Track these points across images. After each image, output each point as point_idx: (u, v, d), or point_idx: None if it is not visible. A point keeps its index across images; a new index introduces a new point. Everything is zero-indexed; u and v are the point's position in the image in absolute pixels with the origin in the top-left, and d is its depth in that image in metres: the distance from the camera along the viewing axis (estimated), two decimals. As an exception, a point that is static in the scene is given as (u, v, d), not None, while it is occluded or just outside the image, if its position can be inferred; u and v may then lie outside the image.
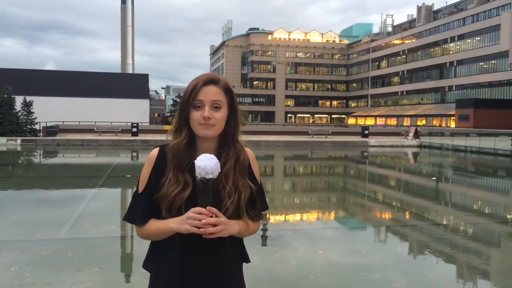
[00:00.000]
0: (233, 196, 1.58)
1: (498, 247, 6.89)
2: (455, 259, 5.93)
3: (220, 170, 1.52)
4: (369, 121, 77.82)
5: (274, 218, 7.78)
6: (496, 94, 55.97)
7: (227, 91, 1.62)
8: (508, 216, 9.45)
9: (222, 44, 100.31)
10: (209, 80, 1.60)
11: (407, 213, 9.23)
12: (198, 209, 1.48)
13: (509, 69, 51.07)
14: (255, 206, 1.67)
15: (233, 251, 1.67)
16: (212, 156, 1.51)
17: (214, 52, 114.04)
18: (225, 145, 1.64)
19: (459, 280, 5.16)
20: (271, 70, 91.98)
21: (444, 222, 8.41)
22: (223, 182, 1.57)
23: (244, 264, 1.75)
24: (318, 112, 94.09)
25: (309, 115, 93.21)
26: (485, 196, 11.80)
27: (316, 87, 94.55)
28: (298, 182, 14.43)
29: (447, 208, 10.07)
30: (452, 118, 57.08)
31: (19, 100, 28.91)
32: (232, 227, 1.55)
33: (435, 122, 62.52)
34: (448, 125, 57.53)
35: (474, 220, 8.55)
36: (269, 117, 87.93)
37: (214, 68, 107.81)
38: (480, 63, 58.82)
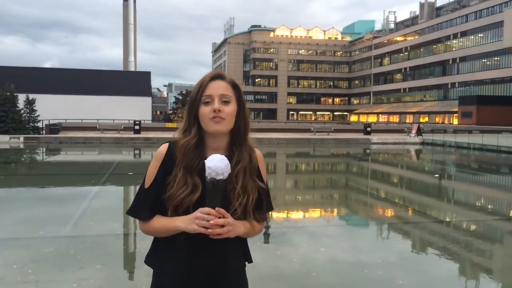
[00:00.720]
0: (242, 198, 1.57)
1: (501, 245, 6.87)
2: (458, 257, 5.92)
3: (230, 171, 1.51)
4: (372, 118, 77.69)
5: (276, 216, 7.78)
6: (499, 91, 55.78)
7: (235, 86, 1.62)
8: (511, 213, 9.43)
9: (224, 42, 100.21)
10: (216, 76, 1.60)
11: (409, 210, 9.22)
12: (206, 209, 1.47)
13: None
14: (261, 207, 1.67)
15: (237, 251, 1.67)
16: (223, 157, 1.50)
17: (216, 49, 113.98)
18: (237, 143, 1.62)
19: (462, 277, 5.16)
20: (273, 67, 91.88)
21: (447, 220, 8.40)
22: (233, 182, 1.56)
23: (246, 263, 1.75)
24: (320, 110, 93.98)
25: (311, 113, 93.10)
26: (488, 193, 11.77)
27: (318, 84, 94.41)
28: (301, 179, 14.43)
29: (450, 205, 10.05)
30: (455, 115, 56.94)
31: (21, 98, 28.97)
32: (239, 228, 1.55)
33: (438, 119, 62.38)
34: (451, 122, 57.41)
35: (477, 217, 8.53)
36: (271, 114, 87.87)
37: (216, 66, 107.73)
38: (483, 60, 58.61)
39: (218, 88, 1.57)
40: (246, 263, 1.74)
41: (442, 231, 7.27)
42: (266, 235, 6.12)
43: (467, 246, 6.39)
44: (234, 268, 1.64)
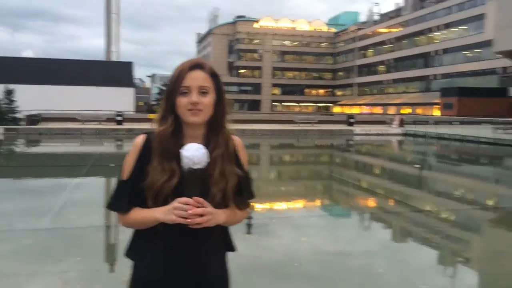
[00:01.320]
0: (220, 184, 1.56)
1: (480, 234, 7.01)
2: (438, 246, 6.01)
3: (208, 160, 1.50)
4: (355, 110, 78.15)
5: (259, 206, 7.79)
6: (480, 83, 56.58)
7: (214, 76, 1.59)
8: (490, 203, 9.61)
9: (209, 32, 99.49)
10: (195, 65, 1.57)
11: (391, 200, 9.34)
12: (184, 199, 1.46)
13: (493, 58, 51.56)
14: (242, 194, 1.65)
15: (218, 240, 1.66)
16: (200, 145, 1.49)
17: (201, 40, 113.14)
18: (214, 131, 1.61)
19: (442, 266, 5.25)
20: (258, 58, 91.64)
21: (427, 209, 8.53)
22: (210, 170, 1.54)
23: (229, 252, 1.74)
24: (305, 101, 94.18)
25: (295, 104, 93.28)
26: (467, 183, 11.98)
27: (303, 75, 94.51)
28: (284, 170, 14.48)
29: (430, 195, 10.20)
30: (436, 106, 57.65)
31: (0, 88, 28.38)
32: (219, 216, 1.54)
33: (420, 110, 63.06)
34: (433, 114, 58.13)
35: (457, 207, 8.68)
36: (255, 105, 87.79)
37: (201, 56, 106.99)
38: (465, 52, 59.34)
39: (197, 79, 1.55)
40: (229, 252, 1.73)
41: (423, 221, 7.38)
42: (249, 226, 6.12)
43: (447, 236, 6.50)
44: (214, 257, 1.64)
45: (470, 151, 21.09)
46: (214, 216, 1.50)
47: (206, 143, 1.56)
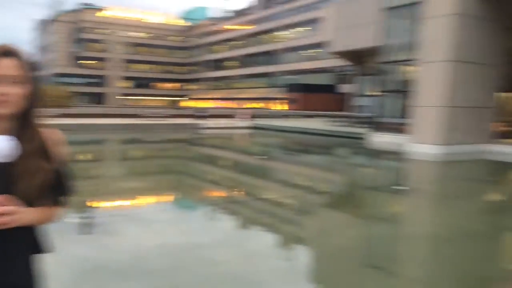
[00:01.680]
0: (27, 180, 1.42)
1: (313, 216, 7.73)
2: (278, 230, 6.48)
3: (14, 153, 1.38)
4: (206, 104, 79.50)
5: (102, 205, 7.43)
6: (318, 80, 62.32)
7: (27, 64, 1.46)
8: (322, 188, 10.67)
9: (51, 19, 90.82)
10: (5, 52, 1.42)
11: (236, 190, 9.73)
12: None
13: (330, 57, 57.06)
14: (57, 191, 1.54)
15: (24, 242, 1.52)
16: (4, 137, 1.37)
17: (41, 27, 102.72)
18: (24, 125, 1.47)
19: (281, 248, 5.66)
20: (106, 49, 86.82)
21: (269, 197, 9.10)
22: (17, 165, 1.41)
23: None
24: (156, 94, 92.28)
25: (146, 98, 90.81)
26: (306, 171, 13.13)
27: (154, 68, 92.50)
28: (130, 166, 14.02)
29: (273, 183, 10.91)
30: (282, 101, 61.92)
31: None
32: (26, 215, 1.41)
33: (267, 105, 67.02)
34: (279, 108, 62.29)
35: (295, 193, 9.46)
36: (102, 99, 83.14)
37: (41, 46, 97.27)
38: (308, 51, 64.76)
39: (5, 67, 1.40)
40: (41, 254, 1.60)
41: (265, 208, 7.86)
42: (89, 226, 5.79)
43: (286, 220, 7.03)
44: (19, 260, 1.50)
45: (309, 142, 23.13)
46: (18, 215, 1.38)
47: (14, 137, 1.43)
